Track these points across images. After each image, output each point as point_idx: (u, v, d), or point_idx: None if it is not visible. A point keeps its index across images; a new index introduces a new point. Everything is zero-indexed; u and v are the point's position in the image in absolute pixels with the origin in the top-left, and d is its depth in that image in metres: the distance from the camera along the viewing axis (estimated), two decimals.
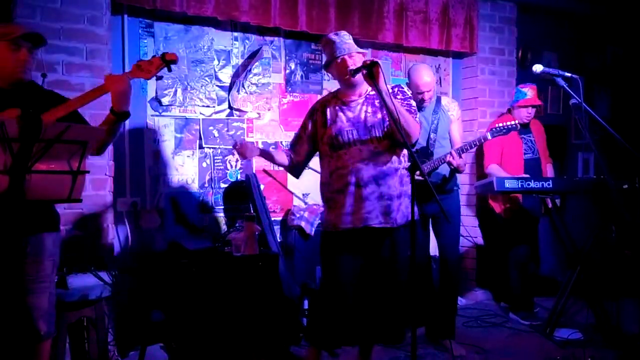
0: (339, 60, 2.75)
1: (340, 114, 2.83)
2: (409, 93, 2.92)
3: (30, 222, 2.27)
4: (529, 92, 4.10)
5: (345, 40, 2.79)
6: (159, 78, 2.47)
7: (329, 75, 3.01)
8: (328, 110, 2.87)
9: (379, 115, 2.80)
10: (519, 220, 4.15)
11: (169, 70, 2.43)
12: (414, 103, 2.90)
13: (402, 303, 2.90)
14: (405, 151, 2.86)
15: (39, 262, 2.30)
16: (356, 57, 2.76)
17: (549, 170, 4.28)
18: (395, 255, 2.82)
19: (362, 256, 2.82)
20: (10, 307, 2.28)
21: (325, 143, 2.84)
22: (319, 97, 3.70)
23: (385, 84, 2.57)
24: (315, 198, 3.03)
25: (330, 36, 2.82)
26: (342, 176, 2.77)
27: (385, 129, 2.79)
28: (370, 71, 2.54)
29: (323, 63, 2.94)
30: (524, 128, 4.14)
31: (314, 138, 2.92)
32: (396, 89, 2.83)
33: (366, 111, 2.82)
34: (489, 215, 4.40)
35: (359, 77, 2.69)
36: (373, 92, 2.84)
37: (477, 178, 4.69)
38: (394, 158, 2.82)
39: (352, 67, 2.70)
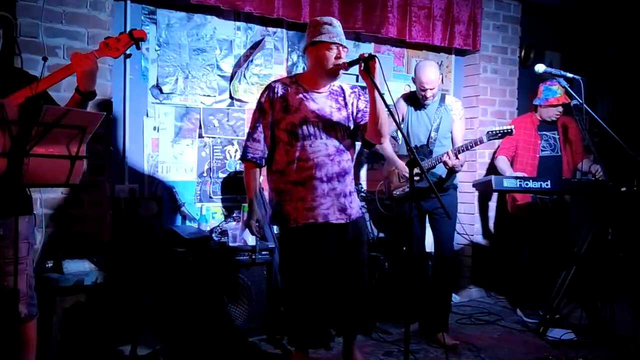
0: (332, 47, 2.65)
1: (305, 102, 2.74)
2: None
3: (3, 205, 2.25)
4: (558, 90, 4.00)
5: (342, 31, 2.72)
6: (128, 56, 2.40)
7: (305, 56, 2.81)
8: (290, 95, 2.75)
9: (344, 113, 2.79)
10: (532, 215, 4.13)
11: (138, 48, 2.35)
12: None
13: (365, 294, 2.89)
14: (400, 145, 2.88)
15: (12, 244, 2.28)
16: (343, 51, 2.70)
17: (584, 166, 4.14)
18: (353, 246, 2.81)
19: (322, 250, 2.77)
20: None
21: (284, 129, 2.72)
22: None
23: (384, 79, 2.54)
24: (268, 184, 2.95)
25: (329, 18, 2.74)
26: (305, 169, 2.70)
27: (349, 127, 2.79)
28: (367, 65, 2.50)
29: (307, 41, 2.73)
30: (548, 125, 4.12)
31: (272, 122, 2.76)
32: (356, 89, 2.84)
33: (330, 106, 2.78)
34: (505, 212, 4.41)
35: (338, 71, 2.66)
36: (336, 88, 2.83)
37: (487, 173, 4.71)
38: (351, 156, 2.84)
39: (344, 60, 2.65)
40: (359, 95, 2.86)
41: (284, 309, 2.91)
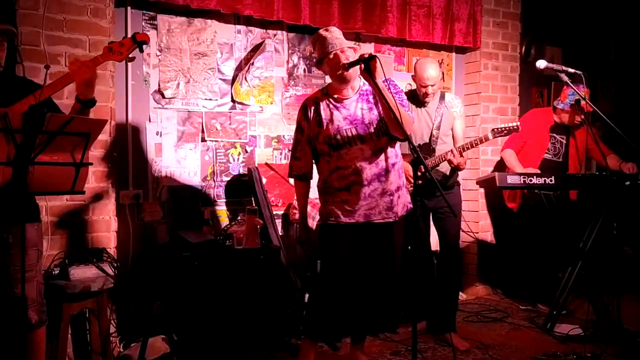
0: (331, 56, 2.71)
1: (336, 112, 2.80)
2: (405, 87, 2.93)
3: (11, 213, 2.26)
4: (586, 97, 3.71)
5: (336, 35, 2.75)
6: (131, 60, 2.43)
7: (321, 72, 2.96)
8: (322, 108, 2.82)
9: (375, 112, 2.80)
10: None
11: (141, 51, 2.41)
12: (404, 96, 2.92)
13: (397, 292, 2.94)
14: (398, 143, 2.89)
15: (24, 252, 2.29)
16: (348, 51, 2.72)
17: (610, 163, 3.99)
18: (393, 246, 2.88)
19: (361, 248, 2.83)
20: (1, 298, 2.30)
21: (322, 142, 2.81)
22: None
23: (384, 78, 2.55)
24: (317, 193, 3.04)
25: (320, 32, 2.79)
26: (344, 176, 2.77)
27: (382, 125, 2.79)
28: (368, 65, 2.52)
29: (315, 60, 2.87)
30: (560, 127, 4.11)
31: (311, 137, 2.87)
32: (387, 82, 2.78)
33: (362, 108, 2.80)
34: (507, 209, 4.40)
35: (353, 71, 2.68)
36: (366, 87, 2.84)
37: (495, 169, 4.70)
38: (392, 153, 2.85)
39: (346, 62, 2.67)
40: (387, 88, 2.83)
41: (312, 298, 3.02)
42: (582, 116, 4.00)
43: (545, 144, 4.09)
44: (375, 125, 2.78)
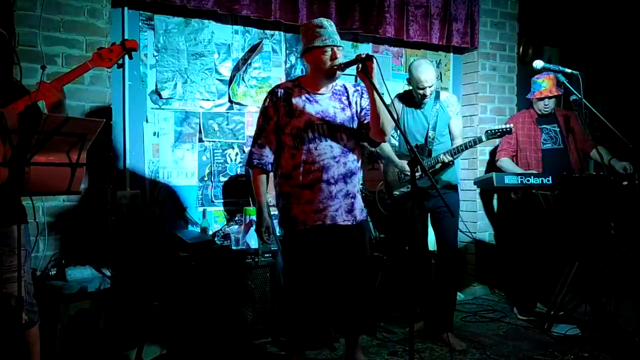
0: (327, 49, 2.65)
1: (308, 104, 2.74)
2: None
3: (1, 215, 2.26)
4: (545, 82, 4.00)
5: (334, 30, 2.71)
6: (120, 66, 2.43)
7: (304, 60, 2.82)
8: (293, 99, 2.75)
9: (348, 113, 2.79)
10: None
11: (130, 58, 2.42)
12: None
13: (370, 295, 2.90)
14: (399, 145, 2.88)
15: (12, 252, 2.31)
16: (340, 50, 2.71)
17: (595, 156, 4.03)
18: (358, 248, 2.82)
19: (328, 251, 2.77)
20: None
21: (289, 134, 2.72)
22: None
23: (382, 79, 2.53)
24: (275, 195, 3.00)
25: (319, 20, 2.73)
26: (311, 172, 2.70)
27: (353, 127, 2.78)
28: (365, 65, 2.51)
29: (304, 47, 2.74)
30: (546, 118, 4.11)
31: (278, 127, 2.76)
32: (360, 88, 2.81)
33: (334, 107, 2.78)
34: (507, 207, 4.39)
35: (335, 72, 2.66)
36: (339, 87, 2.83)
37: (487, 171, 4.70)
38: (356, 156, 2.82)
39: (340, 60, 2.66)
40: (362, 93, 2.85)
41: (286, 310, 2.90)
42: (556, 88, 4.02)
43: (537, 138, 4.09)
44: (346, 126, 2.76)
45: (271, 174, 2.88)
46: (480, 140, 3.40)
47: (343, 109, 2.79)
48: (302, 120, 2.71)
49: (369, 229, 2.89)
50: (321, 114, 2.74)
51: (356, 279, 2.81)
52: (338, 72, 2.68)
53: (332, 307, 2.82)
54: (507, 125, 3.41)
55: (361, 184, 4.34)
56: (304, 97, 2.76)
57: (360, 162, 2.86)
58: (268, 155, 2.77)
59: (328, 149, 2.71)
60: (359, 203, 2.85)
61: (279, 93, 2.77)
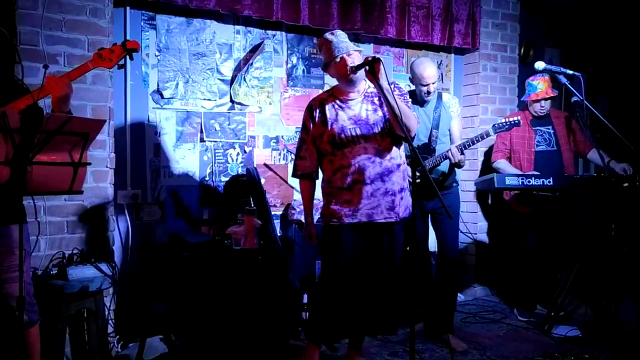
0: (338, 60, 2.77)
1: (341, 112, 2.86)
2: (405, 89, 2.97)
3: (1, 214, 2.27)
4: (540, 84, 4.02)
5: (341, 39, 2.82)
6: (121, 67, 2.44)
7: (320, 72, 3.04)
8: (327, 108, 2.89)
9: (380, 113, 2.86)
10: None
11: (131, 58, 2.44)
12: (409, 98, 2.97)
13: (397, 294, 2.97)
14: (404, 145, 2.92)
15: (9, 252, 2.32)
16: (354, 55, 2.79)
17: (595, 157, 4.01)
18: (394, 247, 2.91)
19: (363, 248, 2.87)
20: None
21: (327, 142, 2.86)
22: (321, 91, 3.70)
23: (387, 80, 2.59)
24: (316, 193, 3.06)
25: (326, 36, 2.85)
26: (347, 175, 2.82)
27: (387, 126, 2.84)
28: (372, 67, 2.59)
29: (322, 64, 2.96)
30: (541, 120, 4.11)
31: (315, 137, 2.92)
32: (392, 85, 2.82)
33: (367, 109, 2.87)
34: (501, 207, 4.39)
35: (360, 74, 2.74)
36: (371, 90, 2.90)
37: (481, 173, 4.69)
38: (396, 154, 2.90)
39: (352, 65, 2.73)
40: (392, 91, 2.89)
41: (314, 300, 3.04)
42: (551, 89, 4.02)
43: (531, 140, 4.09)
44: (379, 126, 2.84)
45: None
46: (488, 135, 3.42)
47: (375, 110, 2.87)
48: (336, 127, 2.84)
49: (403, 226, 2.98)
50: (353, 118, 2.84)
51: (381, 278, 2.89)
52: (351, 76, 2.76)
53: (358, 303, 2.89)
54: (515, 118, 3.41)
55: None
56: (336, 105, 2.89)
57: (401, 158, 2.94)
58: (309, 166, 2.97)
59: (362, 151, 2.81)
60: (404, 199, 2.92)
61: (314, 105, 2.94)
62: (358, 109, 2.87)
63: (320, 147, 2.92)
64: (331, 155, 2.87)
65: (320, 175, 3.04)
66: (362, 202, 2.81)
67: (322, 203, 3.01)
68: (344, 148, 2.83)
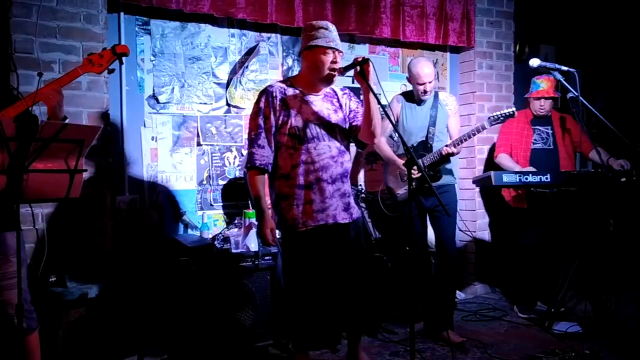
0: (329, 51, 2.67)
1: (305, 105, 2.76)
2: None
3: None
4: (543, 83, 4.04)
5: (336, 34, 2.75)
6: (111, 71, 2.44)
7: (300, 59, 2.78)
8: (288, 98, 2.74)
9: (340, 115, 2.83)
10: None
11: (121, 63, 2.45)
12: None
13: (371, 292, 2.93)
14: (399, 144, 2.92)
15: (5, 260, 2.31)
16: (341, 57, 2.74)
17: (595, 156, 3.98)
18: (358, 246, 2.85)
19: (330, 252, 2.79)
20: None
21: (286, 134, 2.71)
22: None
23: (378, 81, 2.60)
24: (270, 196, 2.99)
25: (323, 22, 2.74)
26: (311, 172, 2.71)
27: (345, 128, 2.83)
28: (362, 69, 2.55)
29: (303, 46, 2.73)
30: (541, 119, 4.13)
31: (275, 127, 2.73)
32: (346, 91, 2.87)
33: (327, 108, 2.81)
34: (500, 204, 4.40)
35: (333, 77, 2.70)
36: (329, 91, 2.86)
37: (485, 168, 4.71)
38: (351, 157, 2.90)
39: (340, 65, 2.69)
40: (351, 96, 2.92)
41: (288, 312, 2.90)
42: (554, 90, 4.03)
43: (529, 137, 4.11)
44: (340, 127, 2.81)
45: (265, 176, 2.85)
46: (484, 128, 3.42)
47: (335, 111, 2.82)
48: (300, 119, 2.71)
49: (364, 225, 2.92)
50: (317, 114, 2.76)
51: (357, 277, 2.83)
52: (336, 77, 2.71)
53: (334, 306, 2.83)
54: (510, 110, 3.41)
55: (359, 185, 4.35)
56: (299, 97, 2.76)
57: (351, 162, 2.92)
58: (268, 156, 2.73)
59: (326, 149, 2.74)
60: (353, 201, 2.89)
61: (274, 92, 2.74)
62: (319, 106, 2.77)
63: (278, 138, 2.73)
64: (292, 148, 2.70)
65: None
66: (325, 201, 2.72)
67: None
68: (308, 143, 2.70)
